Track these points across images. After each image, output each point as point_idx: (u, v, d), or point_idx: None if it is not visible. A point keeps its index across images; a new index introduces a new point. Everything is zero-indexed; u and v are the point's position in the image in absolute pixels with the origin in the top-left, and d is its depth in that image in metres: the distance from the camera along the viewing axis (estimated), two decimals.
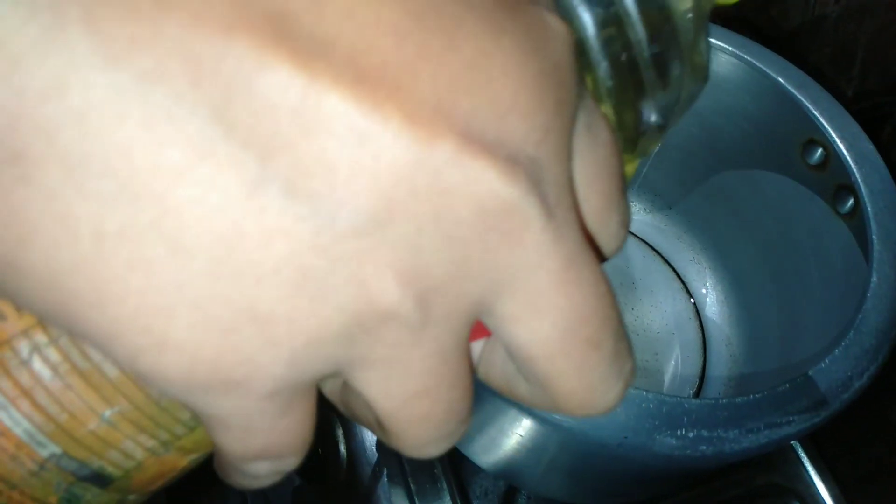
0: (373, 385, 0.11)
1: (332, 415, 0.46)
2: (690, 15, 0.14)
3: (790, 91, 0.38)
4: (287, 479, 0.53)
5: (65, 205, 0.09)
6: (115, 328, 0.09)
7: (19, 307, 0.11)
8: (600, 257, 0.13)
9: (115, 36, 0.08)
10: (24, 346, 0.12)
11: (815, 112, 0.38)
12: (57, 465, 0.12)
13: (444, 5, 0.09)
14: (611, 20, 0.13)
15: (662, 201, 0.52)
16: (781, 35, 0.53)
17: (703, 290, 0.50)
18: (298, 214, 0.09)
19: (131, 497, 0.14)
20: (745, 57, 0.40)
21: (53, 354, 0.12)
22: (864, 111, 0.40)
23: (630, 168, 0.16)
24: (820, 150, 0.38)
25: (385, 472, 0.42)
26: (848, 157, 0.36)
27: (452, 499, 0.39)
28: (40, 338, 0.12)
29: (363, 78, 0.09)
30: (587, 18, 0.13)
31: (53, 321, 0.10)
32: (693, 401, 0.27)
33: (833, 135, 0.37)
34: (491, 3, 0.10)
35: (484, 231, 0.10)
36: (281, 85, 0.08)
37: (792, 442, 0.42)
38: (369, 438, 0.45)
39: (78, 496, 0.13)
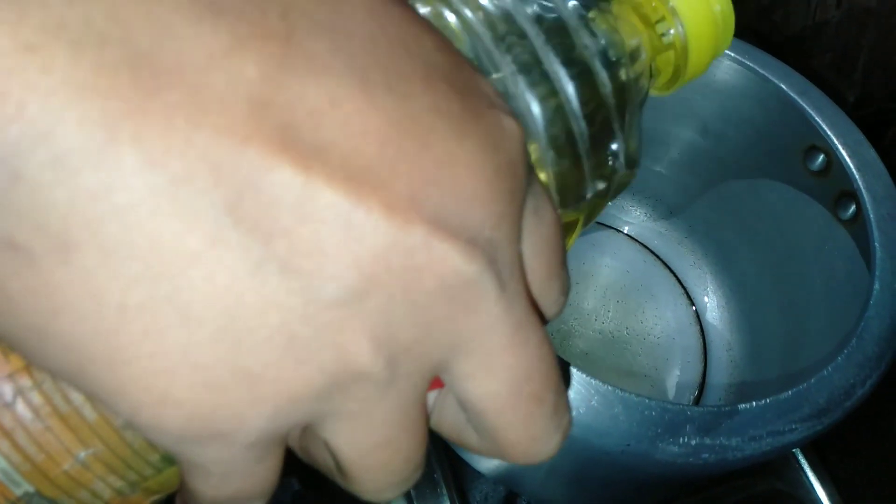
0: (340, 435, 0.12)
1: None
2: (614, 101, 0.17)
3: (792, 97, 0.38)
4: (286, 485, 0.53)
5: (98, 284, 0.10)
6: (122, 386, 0.10)
7: (30, 362, 0.12)
8: (543, 320, 0.15)
9: (155, 146, 0.10)
10: (8, 390, 0.13)
11: (817, 118, 0.37)
12: (28, 503, 0.13)
13: (419, 114, 0.11)
14: (555, 104, 0.17)
15: (664, 206, 0.52)
16: (783, 40, 0.53)
17: (704, 296, 0.50)
18: (291, 288, 0.11)
19: None
20: (747, 63, 0.40)
21: (36, 398, 0.13)
22: (865, 117, 0.40)
23: (571, 241, 0.19)
24: (822, 157, 0.38)
25: None
26: (850, 164, 0.36)
27: None
28: (25, 382, 0.13)
29: (351, 176, 0.11)
30: (535, 110, 0.16)
31: (63, 377, 0.11)
32: (696, 408, 0.27)
33: (835, 141, 0.37)
34: (457, 110, 0.12)
35: (446, 301, 0.11)
36: (284, 183, 0.10)
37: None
38: None
39: None
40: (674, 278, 0.51)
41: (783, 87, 0.39)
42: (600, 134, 0.17)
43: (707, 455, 0.27)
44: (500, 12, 0.16)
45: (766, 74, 0.39)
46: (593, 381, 0.27)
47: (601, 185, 0.18)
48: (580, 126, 0.17)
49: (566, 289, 0.15)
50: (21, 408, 0.13)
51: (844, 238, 0.37)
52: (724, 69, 0.40)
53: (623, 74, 0.18)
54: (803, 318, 0.41)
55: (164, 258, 0.10)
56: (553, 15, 0.17)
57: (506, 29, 0.16)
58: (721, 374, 0.47)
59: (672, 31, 0.20)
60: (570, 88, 0.17)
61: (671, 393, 0.47)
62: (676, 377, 0.47)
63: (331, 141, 0.11)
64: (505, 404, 0.13)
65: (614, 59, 0.18)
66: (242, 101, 0.10)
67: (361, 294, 0.11)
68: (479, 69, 0.14)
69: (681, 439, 0.27)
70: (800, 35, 0.53)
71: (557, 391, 0.14)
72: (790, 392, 0.28)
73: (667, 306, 0.50)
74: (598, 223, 0.53)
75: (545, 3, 0.17)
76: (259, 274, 0.10)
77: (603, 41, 0.18)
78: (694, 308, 0.50)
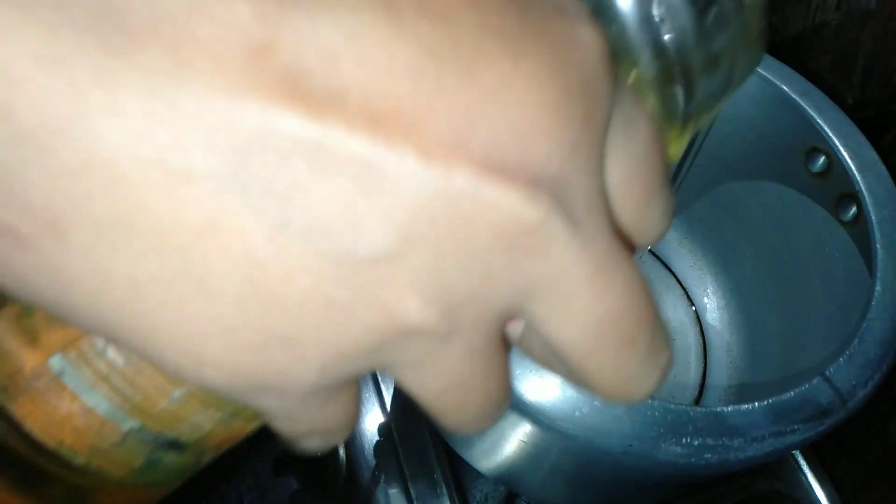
0: (409, 380, 0.12)
1: None
2: None
3: (793, 99, 0.38)
4: (285, 483, 0.53)
5: (98, 260, 0.10)
6: (157, 352, 0.10)
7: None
8: (639, 247, 0.13)
9: (134, 116, 0.09)
10: (99, 339, 0.13)
11: (818, 120, 0.38)
12: (137, 436, 0.14)
13: (462, 37, 0.10)
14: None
15: None
16: (782, 42, 0.53)
17: (704, 297, 0.50)
18: (318, 250, 0.10)
19: (206, 457, 0.16)
20: None
21: None
22: (864, 119, 0.40)
23: (676, 147, 0.16)
24: (823, 158, 0.38)
25: (384, 477, 0.42)
26: (851, 166, 0.36)
27: None
28: None
29: (377, 121, 0.09)
30: (627, 11, 0.13)
31: (110, 341, 0.11)
32: (698, 409, 0.27)
33: (836, 143, 0.37)
34: (513, 24, 0.10)
35: (505, 250, 0.10)
36: (295, 137, 0.09)
37: None
38: (368, 443, 0.45)
39: (158, 459, 0.15)
40: (673, 279, 0.51)
41: (785, 88, 0.39)
42: (715, 29, 0.14)
43: (709, 455, 0.27)
44: None
45: (768, 76, 0.39)
46: None
47: (713, 80, 0.15)
48: (687, 30, 0.14)
49: (670, 208, 0.14)
50: (112, 354, 0.13)
51: (845, 239, 0.37)
52: None
53: None
54: (803, 319, 0.41)
55: (166, 233, 0.09)
56: None
57: None
58: (721, 374, 0.47)
59: None
60: None
61: (671, 393, 0.47)
62: (676, 378, 0.47)
63: (349, 83, 0.09)
64: (590, 349, 0.12)
65: None
66: (236, 50, 0.09)
67: (401, 250, 0.10)
68: None
69: (683, 440, 0.27)
70: (799, 36, 0.53)
71: (652, 330, 0.12)
72: (792, 393, 0.28)
73: (666, 307, 0.50)
74: None
75: None
76: (279, 238, 0.10)
77: None
78: (694, 309, 0.50)
